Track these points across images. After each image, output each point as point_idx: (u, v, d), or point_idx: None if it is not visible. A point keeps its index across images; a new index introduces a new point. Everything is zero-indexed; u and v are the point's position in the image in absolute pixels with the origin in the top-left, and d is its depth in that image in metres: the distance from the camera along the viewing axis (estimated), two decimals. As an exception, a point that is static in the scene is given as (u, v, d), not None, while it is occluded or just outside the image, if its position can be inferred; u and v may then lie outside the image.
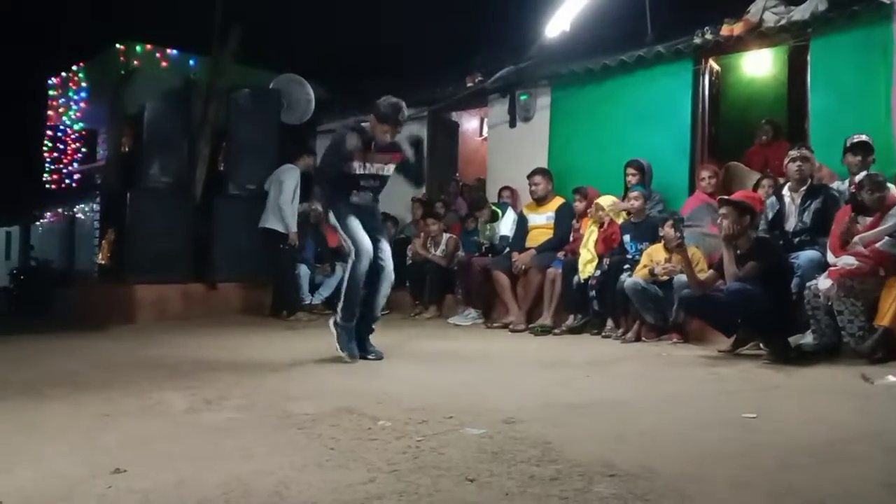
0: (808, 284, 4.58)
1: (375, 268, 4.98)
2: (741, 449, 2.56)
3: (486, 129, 10.23)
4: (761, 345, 4.78)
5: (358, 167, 4.85)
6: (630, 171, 6.75)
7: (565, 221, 6.95)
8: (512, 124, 8.48)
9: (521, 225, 7.22)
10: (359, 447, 2.64)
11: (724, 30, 6.80)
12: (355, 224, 4.88)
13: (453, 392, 3.69)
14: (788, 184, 5.32)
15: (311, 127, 9.83)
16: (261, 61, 10.25)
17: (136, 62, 11.39)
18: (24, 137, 15.43)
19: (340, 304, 4.91)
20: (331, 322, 4.93)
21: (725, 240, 4.73)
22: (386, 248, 5.09)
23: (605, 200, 6.44)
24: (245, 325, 7.15)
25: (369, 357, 4.96)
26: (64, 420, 3.17)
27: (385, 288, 5.07)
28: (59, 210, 15.13)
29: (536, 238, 7.01)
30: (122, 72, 10.55)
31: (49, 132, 13.56)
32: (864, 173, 4.93)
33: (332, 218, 5.01)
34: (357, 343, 4.93)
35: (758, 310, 4.48)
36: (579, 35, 7.63)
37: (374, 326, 5.12)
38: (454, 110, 9.99)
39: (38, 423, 3.13)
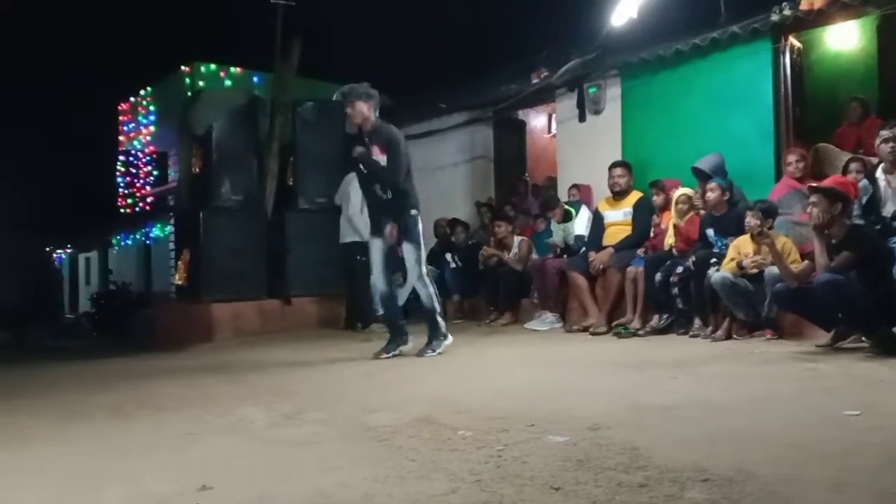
0: (909, 270, 4.30)
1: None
2: (842, 448, 2.45)
3: (554, 125, 10.05)
4: (863, 337, 4.51)
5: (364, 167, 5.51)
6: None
7: (644, 216, 6.69)
8: (581, 119, 8.24)
9: (597, 223, 6.99)
10: (439, 458, 2.61)
11: (804, 4, 6.47)
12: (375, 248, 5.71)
13: (534, 399, 3.60)
14: (882, 165, 5.01)
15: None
16: (324, 73, 10.29)
17: (201, 82, 11.58)
18: (97, 164, 15.95)
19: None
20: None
21: (816, 229, 4.54)
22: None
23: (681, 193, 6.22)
24: (321, 339, 7.18)
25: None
26: (150, 439, 3.25)
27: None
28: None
29: (614, 235, 6.76)
30: (189, 93, 10.73)
31: (121, 157, 13.94)
32: None
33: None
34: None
35: (853, 301, 4.26)
36: (648, 21, 7.44)
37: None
38: (520, 108, 9.82)
39: (125, 443, 3.21)
